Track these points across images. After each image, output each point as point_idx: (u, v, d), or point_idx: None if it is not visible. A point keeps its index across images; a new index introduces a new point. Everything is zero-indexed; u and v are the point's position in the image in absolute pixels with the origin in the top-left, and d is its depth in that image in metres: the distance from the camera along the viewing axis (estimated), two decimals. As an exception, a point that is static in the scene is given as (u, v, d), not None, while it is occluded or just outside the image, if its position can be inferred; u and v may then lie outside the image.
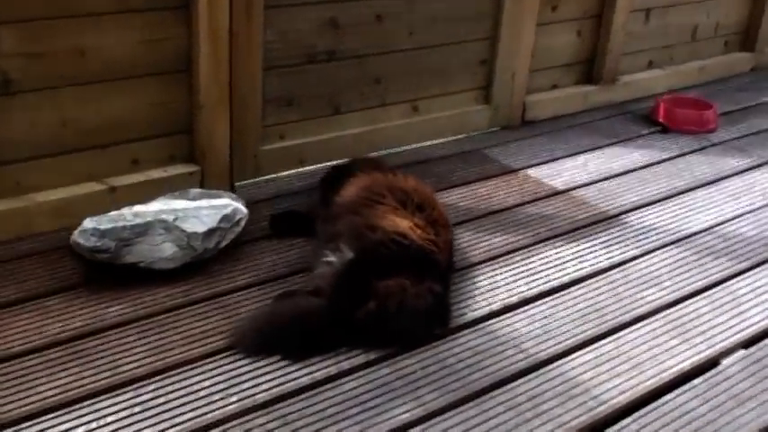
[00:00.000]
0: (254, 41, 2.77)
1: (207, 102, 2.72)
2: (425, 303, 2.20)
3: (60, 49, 2.45)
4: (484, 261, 2.59)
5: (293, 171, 3.05)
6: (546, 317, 2.32)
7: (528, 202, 2.99)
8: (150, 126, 2.70)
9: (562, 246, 2.70)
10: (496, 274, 2.52)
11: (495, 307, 2.35)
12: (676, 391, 2.05)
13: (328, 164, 3.04)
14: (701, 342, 2.24)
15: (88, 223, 2.29)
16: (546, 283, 2.49)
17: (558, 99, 3.79)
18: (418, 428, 1.89)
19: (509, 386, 2.04)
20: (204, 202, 2.50)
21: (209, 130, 2.77)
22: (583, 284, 2.49)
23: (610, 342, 2.22)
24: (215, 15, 2.64)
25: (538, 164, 3.30)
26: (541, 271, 2.55)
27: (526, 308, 2.36)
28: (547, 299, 2.41)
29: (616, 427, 1.92)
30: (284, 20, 2.85)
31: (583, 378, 2.08)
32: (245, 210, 2.55)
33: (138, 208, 2.42)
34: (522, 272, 2.54)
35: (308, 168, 3.07)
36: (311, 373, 2.04)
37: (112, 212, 2.38)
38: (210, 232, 2.39)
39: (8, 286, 2.28)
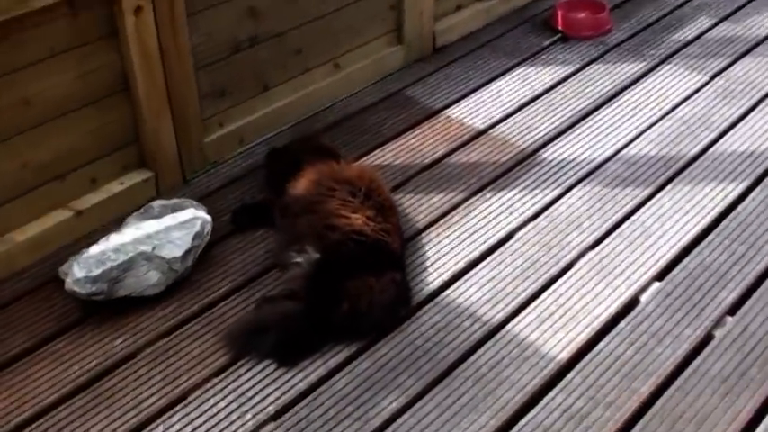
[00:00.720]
0: (182, 50, 2.90)
1: (149, 113, 2.89)
2: (391, 295, 2.55)
3: (8, 104, 2.57)
4: (427, 226, 2.92)
5: (236, 152, 3.27)
6: (491, 279, 2.69)
7: (456, 150, 3.29)
8: (101, 146, 2.87)
9: (492, 197, 3.04)
10: (441, 240, 2.85)
11: (445, 277, 2.71)
12: (607, 338, 2.48)
13: (265, 137, 3.30)
14: (622, 283, 2.66)
15: (78, 271, 2.51)
16: (485, 242, 2.84)
17: (463, 20, 4.00)
18: (405, 416, 2.28)
19: (472, 358, 2.43)
20: (170, 220, 2.72)
21: (156, 137, 2.95)
22: (517, 237, 2.86)
23: (548, 296, 2.62)
24: (143, 37, 2.75)
25: (456, 100, 3.56)
26: (480, 229, 2.90)
27: (473, 272, 2.72)
28: (488, 259, 2.77)
29: (563, 383, 2.36)
30: (207, 22, 2.97)
31: (531, 338, 2.49)
32: (208, 217, 2.78)
33: (114, 239, 2.63)
34: (463, 233, 2.88)
35: (246, 147, 3.29)
36: (306, 376, 2.40)
37: (93, 250, 2.60)
38: (187, 253, 2.64)
39: (16, 334, 2.53)
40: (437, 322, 2.55)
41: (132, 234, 2.66)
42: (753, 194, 2.97)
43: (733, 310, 2.54)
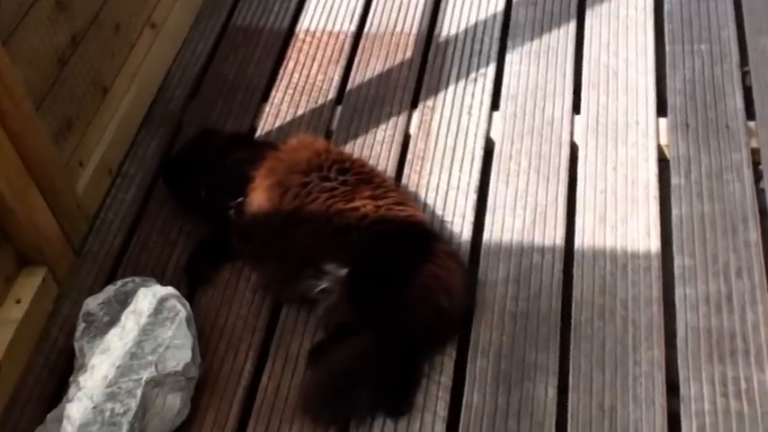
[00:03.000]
0: (17, 97, 2.01)
1: (14, 200, 2.03)
2: (460, 271, 2.09)
3: None
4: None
5: (112, 188, 2.46)
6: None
7: (351, 64, 2.75)
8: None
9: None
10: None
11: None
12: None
13: (128, 153, 2.52)
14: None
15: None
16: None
17: None
18: (575, 394, 1.95)
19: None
20: (136, 318, 1.97)
21: (32, 223, 2.10)
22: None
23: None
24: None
25: (298, 9, 2.95)
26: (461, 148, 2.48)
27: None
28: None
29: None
30: (22, 45, 2.07)
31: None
32: (171, 289, 2.06)
33: (93, 383, 1.87)
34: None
35: (119, 176, 2.49)
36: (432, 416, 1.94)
37: (75, 411, 1.83)
38: (194, 348, 1.96)
39: None
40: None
41: (109, 363, 1.91)
42: None
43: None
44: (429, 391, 1.97)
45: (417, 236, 2.10)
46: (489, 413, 1.93)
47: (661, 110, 2.50)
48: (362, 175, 2.20)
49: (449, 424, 1.93)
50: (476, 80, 2.65)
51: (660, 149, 2.40)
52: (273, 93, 2.69)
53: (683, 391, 1.92)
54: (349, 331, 2.01)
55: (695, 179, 2.31)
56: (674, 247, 2.18)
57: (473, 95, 2.61)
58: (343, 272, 2.04)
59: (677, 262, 2.15)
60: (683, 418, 1.89)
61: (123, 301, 2.05)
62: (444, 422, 1.93)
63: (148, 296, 2.03)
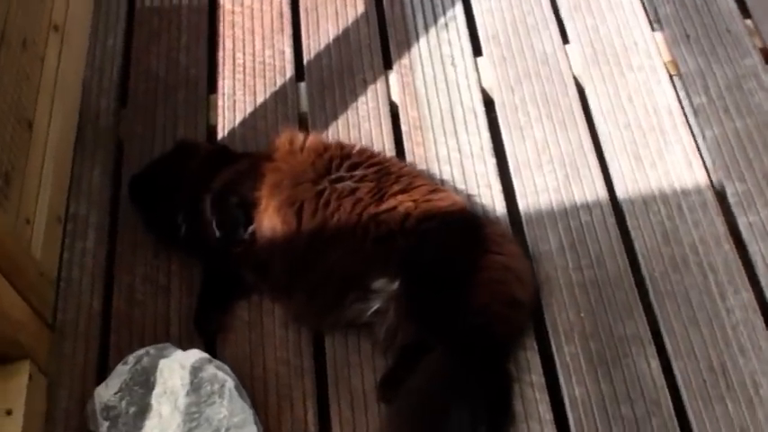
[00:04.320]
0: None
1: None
2: (522, 256, 1.84)
3: None
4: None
5: (61, 235, 2.02)
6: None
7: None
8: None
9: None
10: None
11: (501, 184, 2.04)
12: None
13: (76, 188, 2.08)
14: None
15: None
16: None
17: None
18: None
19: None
20: (172, 400, 1.63)
21: (1, 312, 1.67)
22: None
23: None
24: None
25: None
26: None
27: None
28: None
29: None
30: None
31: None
32: (204, 354, 1.72)
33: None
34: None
35: (70, 221, 2.05)
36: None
37: None
38: (256, 421, 1.63)
39: None
40: (567, 240, 1.95)
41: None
42: None
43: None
44: (525, 395, 1.75)
45: (467, 225, 1.83)
46: (597, 403, 1.73)
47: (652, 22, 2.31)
48: (378, 166, 1.89)
49: (558, 425, 1.73)
50: (446, 25, 2.35)
51: (668, 68, 2.22)
52: (221, 82, 2.29)
53: (788, 329, 1.79)
54: (418, 351, 1.74)
55: (716, 94, 2.14)
56: (721, 174, 2.02)
57: (450, 43, 2.31)
58: (395, 286, 1.76)
59: (729, 189, 1.99)
60: (798, 358, 1.76)
61: (145, 382, 1.69)
62: (553, 424, 1.72)
63: (175, 369, 1.69)
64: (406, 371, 1.74)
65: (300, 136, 1.97)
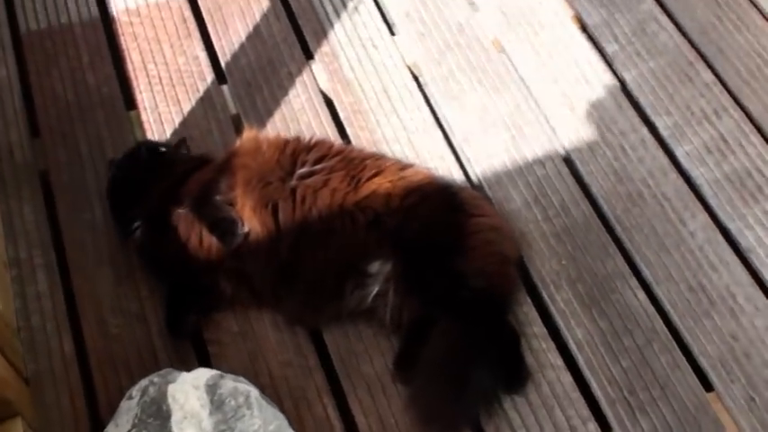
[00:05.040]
0: None
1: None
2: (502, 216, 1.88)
3: None
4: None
5: (8, 282, 1.84)
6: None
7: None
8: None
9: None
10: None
11: (455, 152, 2.06)
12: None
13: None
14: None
15: None
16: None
17: None
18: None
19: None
20: (213, 419, 1.53)
21: None
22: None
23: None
24: None
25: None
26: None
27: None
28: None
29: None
30: None
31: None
32: (214, 372, 1.63)
33: None
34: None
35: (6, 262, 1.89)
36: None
37: None
38: (291, 424, 1.56)
39: None
40: (532, 195, 2.00)
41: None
42: None
43: None
44: (532, 346, 1.79)
45: (445, 194, 1.84)
46: (601, 341, 1.80)
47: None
48: (340, 155, 1.86)
49: (571, 369, 1.78)
50: (357, 8, 2.34)
51: (579, 21, 2.33)
52: (139, 96, 2.17)
53: (745, 239, 1.93)
54: (424, 326, 1.74)
55: (625, 41, 2.27)
56: (649, 111, 2.15)
57: (366, 26, 2.31)
58: (390, 266, 1.74)
59: (660, 124, 2.12)
60: (761, 268, 1.90)
61: (157, 412, 1.58)
62: (566, 369, 1.77)
63: (189, 391, 1.59)
64: (417, 347, 1.74)
65: (260, 134, 1.91)
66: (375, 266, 1.75)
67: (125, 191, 1.85)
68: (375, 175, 1.82)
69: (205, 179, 1.80)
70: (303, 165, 1.82)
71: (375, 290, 1.75)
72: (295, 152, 1.84)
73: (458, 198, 1.84)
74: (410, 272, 1.74)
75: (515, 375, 1.74)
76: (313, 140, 1.90)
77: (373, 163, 1.85)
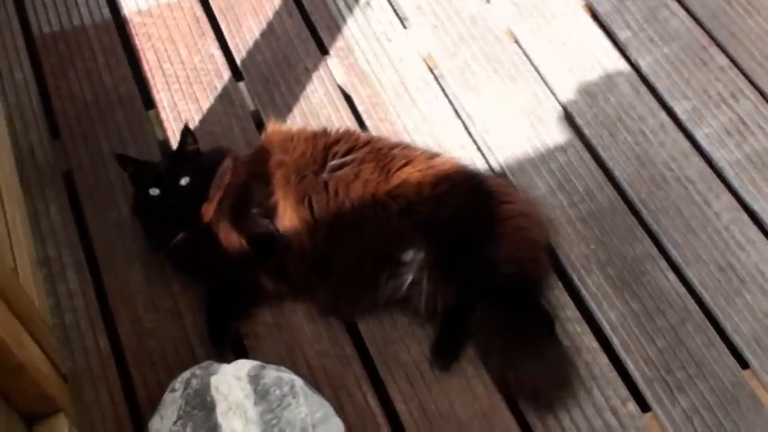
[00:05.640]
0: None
1: (20, 352, 1.42)
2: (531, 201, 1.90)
3: None
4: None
5: (41, 279, 1.83)
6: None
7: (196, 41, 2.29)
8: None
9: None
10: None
11: (478, 141, 2.07)
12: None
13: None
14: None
15: None
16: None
17: None
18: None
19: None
20: (258, 409, 1.52)
21: (36, 373, 1.48)
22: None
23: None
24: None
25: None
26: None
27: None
28: (465, 91, 2.17)
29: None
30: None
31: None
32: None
33: None
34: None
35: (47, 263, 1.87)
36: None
37: None
38: (336, 410, 1.56)
39: None
40: (557, 181, 2.01)
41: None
42: None
43: None
44: (567, 330, 1.80)
45: (475, 182, 1.85)
46: (635, 322, 1.81)
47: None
48: (369, 146, 1.87)
49: (606, 350, 1.79)
50: (369, 3, 2.35)
51: (590, 9, 2.35)
52: (157, 95, 2.17)
53: (770, 217, 1.95)
54: (460, 313, 1.75)
55: (638, 27, 2.29)
56: (667, 96, 2.17)
57: (379, 20, 2.32)
58: (423, 254, 1.75)
59: (678, 108, 2.15)
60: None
61: (201, 404, 1.57)
62: (601, 351, 1.78)
63: (232, 382, 1.59)
64: (454, 334, 1.75)
65: (285, 127, 1.91)
66: (409, 255, 1.75)
67: (159, 208, 1.81)
68: (405, 164, 1.83)
69: (239, 183, 1.79)
70: (334, 157, 1.82)
71: (409, 278, 1.75)
72: (325, 145, 1.84)
73: (486, 185, 1.85)
74: (443, 259, 1.75)
75: (554, 359, 1.75)
76: (340, 131, 1.90)
77: (401, 153, 1.86)
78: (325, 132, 1.90)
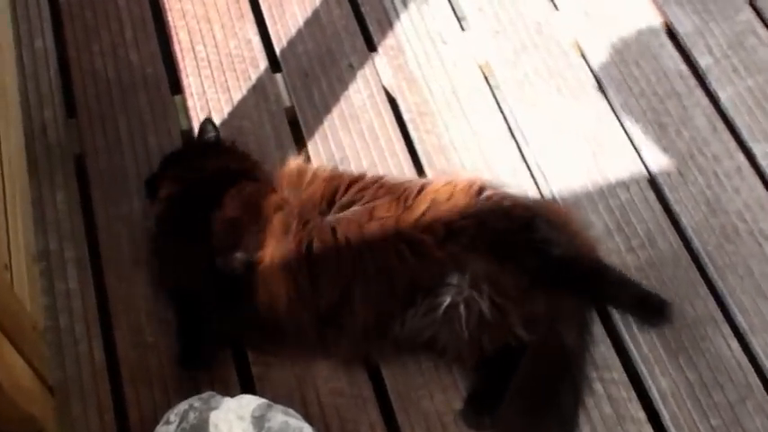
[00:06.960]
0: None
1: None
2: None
3: None
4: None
5: (37, 276, 1.67)
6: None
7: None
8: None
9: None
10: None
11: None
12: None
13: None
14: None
15: None
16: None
17: None
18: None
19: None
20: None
21: (15, 384, 1.32)
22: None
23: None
24: None
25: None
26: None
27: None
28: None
29: None
30: None
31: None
32: (266, 401, 1.45)
33: None
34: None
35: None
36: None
37: None
38: None
39: None
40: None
41: None
42: None
43: None
44: (611, 394, 1.61)
45: (513, 199, 1.66)
46: (688, 394, 1.61)
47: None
48: (378, 182, 1.67)
49: (654, 423, 1.60)
50: (426, 0, 2.15)
51: (668, 28, 2.12)
52: (185, 80, 1.98)
53: None
54: (506, 359, 1.55)
55: (721, 54, 2.06)
56: (746, 134, 1.95)
57: (435, 18, 2.11)
58: (465, 283, 1.54)
59: (758, 151, 1.92)
60: None
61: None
62: (648, 423, 1.59)
63: (233, 421, 1.41)
64: (497, 386, 1.55)
65: (303, 164, 1.72)
66: (454, 280, 1.54)
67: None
68: (423, 187, 1.64)
69: (232, 217, 1.61)
70: (342, 196, 1.63)
71: (446, 301, 1.54)
72: (339, 187, 1.65)
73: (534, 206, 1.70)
74: (498, 284, 1.55)
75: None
76: (353, 174, 1.72)
77: (415, 182, 1.68)
78: (341, 174, 1.71)
